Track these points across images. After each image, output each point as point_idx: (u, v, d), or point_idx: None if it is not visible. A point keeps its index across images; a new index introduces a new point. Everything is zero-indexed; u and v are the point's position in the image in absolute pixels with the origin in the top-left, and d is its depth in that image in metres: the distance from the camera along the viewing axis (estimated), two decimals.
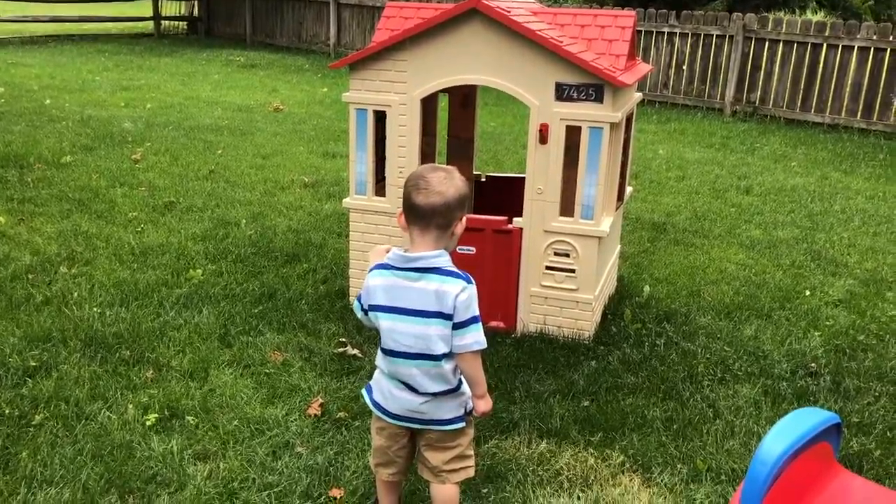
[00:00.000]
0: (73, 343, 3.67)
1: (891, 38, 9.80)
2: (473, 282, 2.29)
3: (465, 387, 2.39)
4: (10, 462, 2.85)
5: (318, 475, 2.82)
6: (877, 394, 3.56)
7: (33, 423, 3.07)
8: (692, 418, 3.28)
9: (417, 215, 2.23)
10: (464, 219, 2.30)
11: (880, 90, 9.96)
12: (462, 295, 2.23)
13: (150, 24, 18.52)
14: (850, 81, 10.15)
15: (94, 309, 4.03)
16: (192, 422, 3.11)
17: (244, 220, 5.55)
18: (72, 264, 4.62)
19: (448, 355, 2.29)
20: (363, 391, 2.51)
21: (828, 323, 4.29)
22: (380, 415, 2.42)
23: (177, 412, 3.18)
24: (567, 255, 3.81)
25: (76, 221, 5.36)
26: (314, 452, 2.95)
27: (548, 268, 3.85)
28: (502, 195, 4.68)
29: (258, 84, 12.31)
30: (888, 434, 3.23)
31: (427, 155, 4.55)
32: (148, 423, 3.09)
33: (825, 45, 10.28)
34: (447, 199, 2.21)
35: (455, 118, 4.84)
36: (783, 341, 4.05)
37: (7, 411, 3.13)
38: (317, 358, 3.65)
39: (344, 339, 3.79)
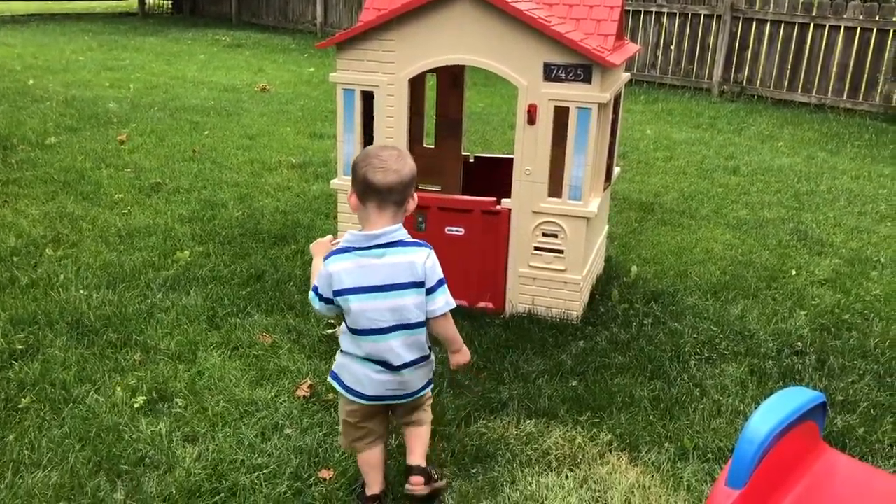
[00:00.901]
0: (60, 326, 3.66)
1: (877, 18, 9.82)
2: (431, 247, 2.41)
3: (432, 355, 2.51)
4: None
5: (307, 456, 2.83)
6: (861, 372, 3.60)
7: (20, 406, 3.05)
8: (679, 397, 3.30)
9: (376, 193, 2.28)
10: (415, 195, 2.38)
11: (866, 70, 9.98)
12: (428, 261, 2.35)
13: (135, 2, 18.32)
14: (836, 61, 10.16)
15: (81, 291, 4.00)
16: (180, 404, 3.11)
17: (231, 202, 5.52)
18: (57, 246, 4.58)
19: (423, 322, 2.38)
20: (330, 379, 2.53)
21: (813, 302, 4.33)
22: (355, 399, 2.45)
23: (165, 394, 3.18)
24: (555, 236, 3.81)
25: (61, 203, 5.31)
26: (303, 434, 2.96)
27: (536, 248, 3.85)
28: (491, 176, 4.68)
29: (244, 64, 12.21)
30: (872, 412, 3.27)
31: (415, 135, 4.53)
32: (136, 405, 3.08)
33: (812, 25, 10.29)
34: (403, 176, 2.29)
35: (443, 98, 4.82)
36: (769, 321, 4.08)
37: None
38: (305, 340, 3.65)
39: (332, 321, 3.79)
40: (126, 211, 5.25)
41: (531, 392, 3.29)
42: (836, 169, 7.33)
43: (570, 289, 3.87)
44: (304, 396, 3.19)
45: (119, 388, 3.19)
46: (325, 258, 2.36)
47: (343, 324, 2.42)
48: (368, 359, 2.39)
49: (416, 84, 4.20)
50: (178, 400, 3.13)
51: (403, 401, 2.49)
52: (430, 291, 2.36)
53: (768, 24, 10.61)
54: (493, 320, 3.89)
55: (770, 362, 3.66)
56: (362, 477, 2.60)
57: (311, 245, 2.57)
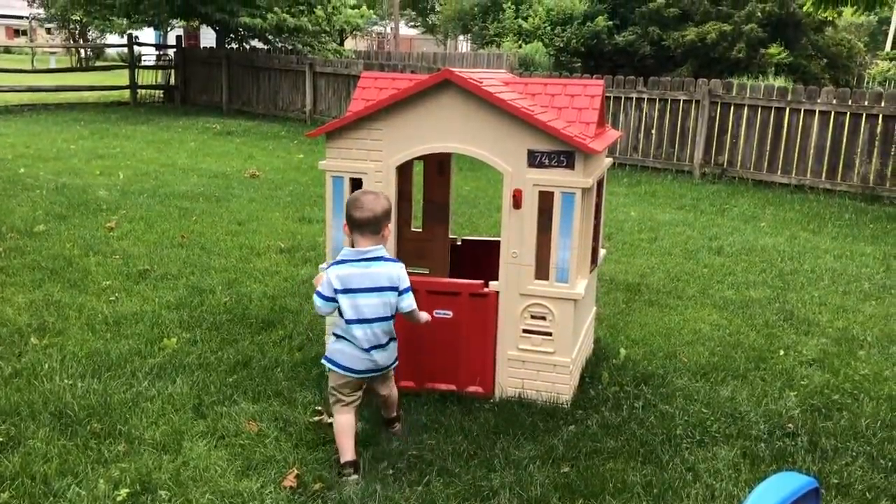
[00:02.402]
0: (43, 416, 3.59)
1: (850, 103, 10.15)
2: (400, 261, 3.35)
3: (395, 339, 3.38)
4: None
5: None
6: (854, 454, 3.57)
7: None
8: (672, 482, 3.26)
9: (356, 225, 3.24)
10: (390, 226, 3.34)
11: (842, 152, 10.26)
12: (401, 272, 3.29)
13: (127, 92, 18.67)
14: (813, 144, 10.45)
15: (65, 381, 3.95)
16: (164, 496, 3.04)
17: (219, 287, 5.52)
18: (43, 335, 4.55)
19: (393, 316, 3.30)
20: (324, 362, 3.37)
21: (802, 382, 4.32)
22: (349, 374, 3.29)
23: (149, 486, 3.10)
24: (543, 318, 3.82)
25: (48, 291, 5.30)
26: None
27: (525, 331, 3.86)
28: (478, 259, 4.72)
29: (234, 151, 12.40)
30: (867, 495, 3.23)
31: (403, 220, 4.59)
32: (119, 498, 3.01)
33: (788, 109, 10.62)
34: (376, 213, 3.22)
35: (430, 183, 4.90)
36: (759, 402, 4.06)
37: None
38: (292, 427, 3.60)
39: (320, 408, 3.75)
40: (113, 298, 5.23)
41: (522, 479, 3.24)
42: (818, 248, 7.44)
43: (560, 371, 3.86)
44: (291, 487, 3.12)
45: (102, 481, 3.11)
46: (327, 267, 3.31)
47: (337, 319, 3.30)
48: (356, 344, 3.24)
49: (404, 170, 4.28)
50: (162, 492, 3.06)
51: (379, 373, 3.36)
52: (402, 293, 3.27)
53: (746, 108, 10.94)
54: (483, 405, 3.86)
55: (762, 444, 3.63)
56: (338, 454, 3.24)
57: (314, 279, 3.42)
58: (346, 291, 3.21)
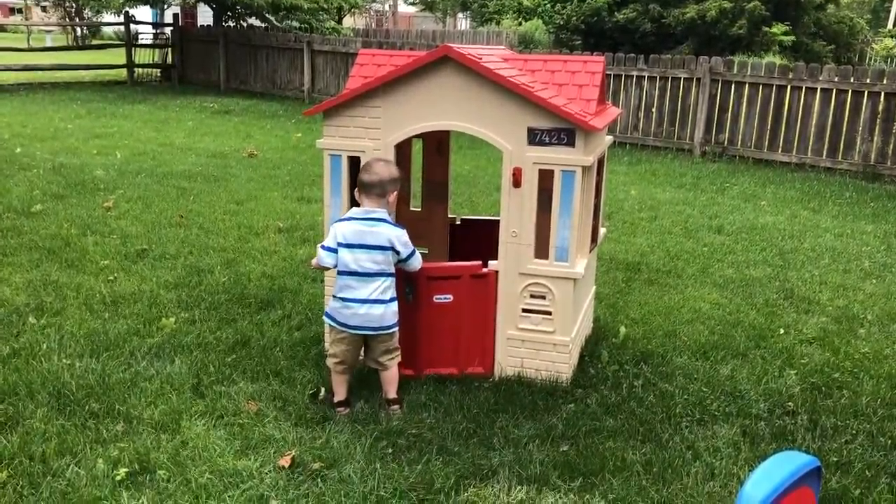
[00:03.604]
0: (41, 396, 3.58)
1: (851, 80, 10.08)
2: (403, 227, 3.61)
3: (395, 302, 3.59)
4: None
5: None
6: (854, 432, 3.57)
7: None
8: (672, 461, 3.26)
9: (363, 186, 3.54)
10: (395, 192, 3.58)
11: (844, 130, 10.20)
12: (402, 236, 3.55)
13: (124, 71, 18.53)
14: (814, 122, 10.39)
15: (64, 360, 3.94)
16: (163, 476, 3.03)
17: (218, 267, 5.50)
18: (41, 314, 4.53)
19: (390, 274, 3.54)
20: (325, 318, 3.67)
21: (802, 361, 4.32)
22: (344, 329, 3.55)
23: (147, 466, 3.10)
24: (543, 298, 3.81)
25: (46, 271, 5.28)
26: None
27: (524, 310, 3.84)
28: (477, 238, 4.69)
29: (232, 130, 12.33)
30: (867, 472, 3.23)
31: (402, 198, 4.55)
32: (118, 477, 3.00)
33: (789, 87, 10.55)
34: (382, 178, 3.51)
35: (429, 162, 4.87)
36: (759, 380, 4.06)
37: None
38: (291, 407, 3.59)
39: (319, 388, 3.74)
40: (111, 278, 5.21)
41: (522, 458, 3.24)
42: (819, 227, 7.41)
43: (559, 350, 3.85)
44: (290, 466, 3.12)
45: (100, 460, 3.11)
46: (334, 223, 3.60)
47: (337, 278, 3.56)
48: (352, 297, 3.50)
49: (402, 147, 4.24)
50: (160, 472, 3.06)
51: (372, 332, 3.55)
52: (407, 257, 3.57)
53: (747, 86, 10.87)
54: (482, 384, 3.85)
55: (762, 423, 3.62)
56: (331, 386, 3.64)
57: (311, 262, 3.69)
58: (348, 245, 3.49)
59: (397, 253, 3.53)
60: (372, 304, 3.51)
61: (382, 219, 3.52)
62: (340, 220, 3.58)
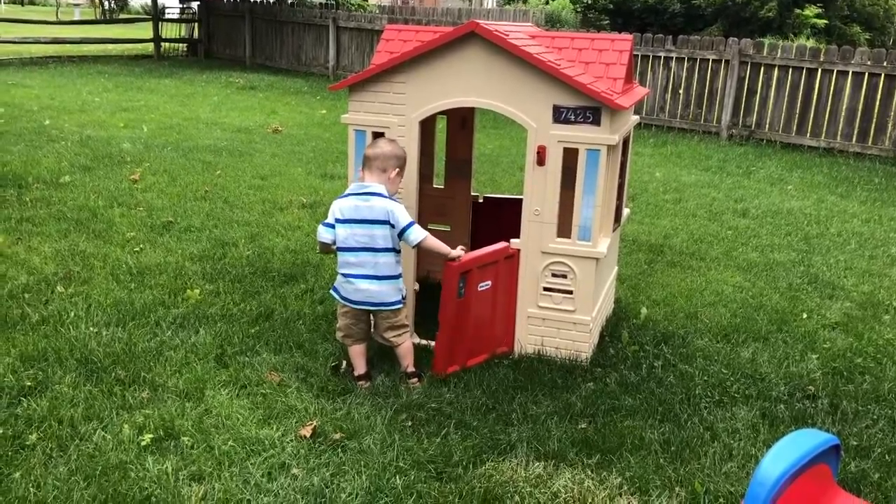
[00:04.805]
0: (69, 363, 3.66)
1: (885, 64, 9.89)
2: (398, 200, 3.61)
3: (401, 279, 3.65)
4: (3, 482, 2.82)
5: (313, 497, 2.80)
6: (875, 417, 3.56)
7: (27, 443, 3.05)
8: (690, 440, 3.27)
9: (365, 159, 3.58)
10: (397, 171, 3.58)
11: (875, 115, 10.03)
12: (395, 208, 3.51)
13: (151, 45, 18.64)
14: (844, 106, 10.22)
15: (91, 329, 4.02)
16: (187, 442, 3.09)
17: (242, 241, 5.55)
18: (68, 284, 4.61)
19: (389, 250, 3.54)
20: (331, 292, 3.70)
21: (825, 346, 4.29)
22: (346, 303, 3.62)
23: (172, 432, 3.16)
24: (564, 277, 3.81)
25: (74, 241, 5.36)
26: (310, 474, 2.93)
27: (545, 289, 3.85)
28: (499, 216, 4.69)
29: (257, 105, 12.38)
30: (887, 457, 3.22)
31: (424, 175, 4.56)
32: (143, 443, 3.07)
33: (820, 71, 10.38)
34: (384, 152, 3.56)
35: (453, 140, 4.87)
36: (780, 364, 4.04)
37: (1, 431, 3.11)
38: (313, 378, 3.64)
39: (340, 361, 3.78)
40: (137, 249, 5.28)
41: (540, 434, 3.26)
42: (846, 212, 7.32)
43: (580, 329, 3.85)
44: (312, 436, 3.16)
45: (126, 426, 3.17)
46: (334, 200, 3.60)
47: (339, 254, 3.58)
48: (352, 273, 3.55)
49: (426, 125, 4.24)
50: (185, 438, 3.12)
51: (374, 308, 3.60)
52: (404, 229, 3.49)
53: (776, 69, 10.71)
54: (502, 361, 3.88)
55: (782, 406, 3.62)
56: (348, 358, 3.70)
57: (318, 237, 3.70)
58: (345, 222, 3.53)
59: (392, 226, 3.51)
60: (371, 280, 3.55)
61: (377, 192, 3.52)
62: (339, 196, 3.61)
